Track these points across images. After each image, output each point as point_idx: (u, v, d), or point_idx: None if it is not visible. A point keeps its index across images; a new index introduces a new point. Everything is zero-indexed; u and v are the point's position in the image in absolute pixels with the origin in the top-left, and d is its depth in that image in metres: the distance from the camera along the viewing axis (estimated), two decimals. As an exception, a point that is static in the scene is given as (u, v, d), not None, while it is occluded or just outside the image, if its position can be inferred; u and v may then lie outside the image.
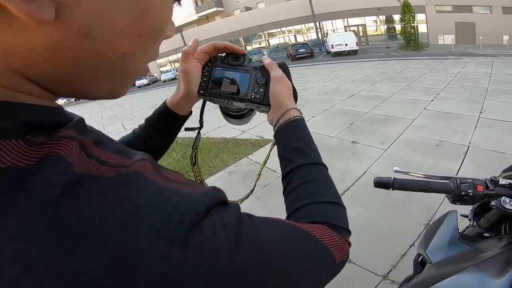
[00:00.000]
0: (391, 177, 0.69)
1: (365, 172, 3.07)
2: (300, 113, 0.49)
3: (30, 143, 0.20)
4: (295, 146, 0.45)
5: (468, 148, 3.30)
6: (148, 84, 25.69)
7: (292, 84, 0.52)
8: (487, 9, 18.58)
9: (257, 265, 0.25)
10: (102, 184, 0.21)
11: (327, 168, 0.45)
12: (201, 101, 0.59)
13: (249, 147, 4.21)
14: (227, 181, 3.32)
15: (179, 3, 0.30)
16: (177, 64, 30.96)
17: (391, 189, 0.69)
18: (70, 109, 0.26)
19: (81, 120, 0.26)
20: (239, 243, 0.24)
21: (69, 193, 0.19)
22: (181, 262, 0.20)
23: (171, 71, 25.94)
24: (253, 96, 0.50)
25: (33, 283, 0.17)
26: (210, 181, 3.43)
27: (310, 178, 0.42)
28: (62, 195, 0.19)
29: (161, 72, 27.57)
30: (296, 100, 0.52)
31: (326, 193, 0.41)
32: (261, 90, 0.51)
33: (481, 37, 15.83)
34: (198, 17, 30.73)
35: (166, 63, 32.84)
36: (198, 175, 0.64)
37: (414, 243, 2.02)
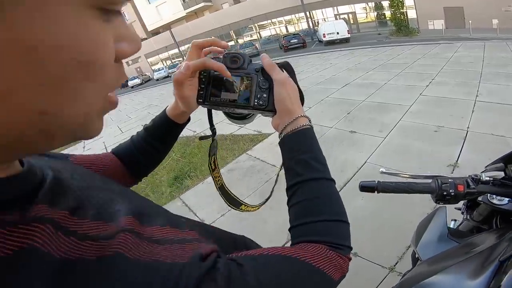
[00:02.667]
0: (375, 181, 0.70)
1: (366, 161, 3.06)
2: (309, 120, 0.47)
3: (3, 224, 0.19)
4: (302, 158, 0.43)
5: (467, 133, 3.30)
6: (141, 84, 25.38)
7: (298, 85, 0.49)
8: None
9: None
10: (86, 269, 0.20)
11: (334, 182, 0.44)
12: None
13: (248, 142, 4.18)
14: (228, 178, 3.29)
15: (120, 13, 0.23)
16: (168, 62, 30.60)
17: (376, 192, 0.70)
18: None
19: (55, 180, 0.24)
20: None
21: (56, 284, 0.19)
22: None
23: (163, 69, 25.59)
24: (256, 103, 0.47)
25: None
26: (210, 180, 3.38)
27: (315, 194, 0.41)
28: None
29: (153, 71, 27.23)
30: (302, 102, 0.50)
31: (328, 211, 0.41)
32: (264, 95, 0.47)
33: (470, 21, 15.84)
34: (187, 13, 30.22)
35: (157, 61, 32.41)
36: (218, 180, 0.64)
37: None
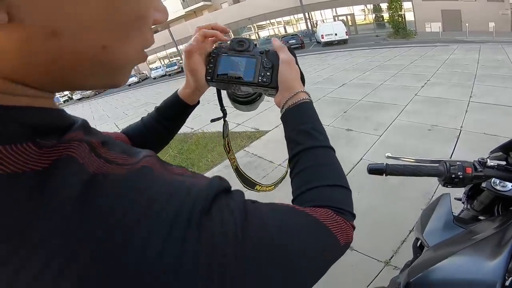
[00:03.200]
0: (383, 163, 0.70)
1: (361, 158, 3.11)
2: (309, 96, 0.49)
3: (40, 146, 0.21)
4: (303, 129, 0.45)
5: (460, 132, 3.37)
6: (138, 82, 25.26)
7: (300, 68, 0.52)
8: None
9: (262, 247, 0.26)
10: (116, 180, 0.22)
11: (334, 151, 0.45)
12: (214, 90, 0.60)
13: (245, 139, 4.21)
14: (225, 174, 3.28)
15: None
16: (166, 61, 30.50)
17: (384, 174, 0.70)
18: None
19: (85, 122, 0.27)
20: (245, 228, 0.25)
21: (89, 190, 0.20)
22: (196, 243, 0.22)
23: (160, 67, 25.51)
24: (260, 80, 0.51)
25: (77, 273, 0.18)
26: (209, 175, 3.31)
27: (317, 161, 0.42)
28: (83, 193, 0.20)
29: (151, 69, 27.12)
30: (304, 84, 0.53)
31: (332, 177, 0.41)
32: (268, 73, 0.51)
33: (467, 24, 15.98)
34: (186, 12, 30.16)
35: (155, 60, 32.30)
36: (234, 161, 0.66)
37: (413, 228, 2.04)
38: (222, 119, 0.65)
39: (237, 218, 0.25)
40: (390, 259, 1.83)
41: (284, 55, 0.50)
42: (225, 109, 0.65)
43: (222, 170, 3.47)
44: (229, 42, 0.54)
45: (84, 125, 0.26)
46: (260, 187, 0.68)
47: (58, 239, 0.18)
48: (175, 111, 0.59)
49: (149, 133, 0.59)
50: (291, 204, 0.36)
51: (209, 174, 3.41)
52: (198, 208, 0.23)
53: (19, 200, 0.18)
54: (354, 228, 0.40)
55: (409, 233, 2.01)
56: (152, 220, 0.21)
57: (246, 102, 0.62)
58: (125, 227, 0.20)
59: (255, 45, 0.54)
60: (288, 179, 0.48)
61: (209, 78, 0.52)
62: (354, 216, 0.41)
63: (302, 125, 0.45)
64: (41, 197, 0.19)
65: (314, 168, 0.42)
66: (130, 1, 0.24)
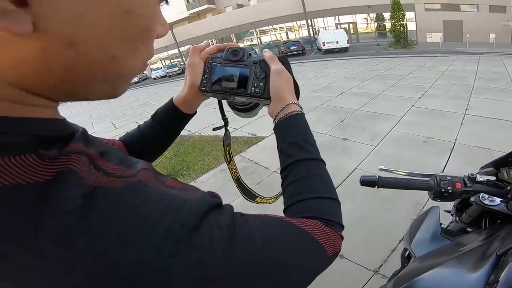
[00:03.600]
0: (376, 176, 0.72)
1: (356, 168, 3.13)
2: (300, 107, 0.50)
3: (42, 157, 0.22)
4: (294, 141, 0.45)
5: (454, 144, 3.40)
6: (138, 82, 25.22)
7: (293, 78, 0.52)
8: (474, 7, 18.95)
9: (249, 260, 0.28)
10: (113, 194, 0.23)
11: (325, 163, 0.46)
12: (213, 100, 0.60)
13: (242, 144, 4.23)
14: (221, 179, 3.33)
15: (167, 2, 0.30)
16: (167, 62, 30.59)
17: (376, 187, 0.72)
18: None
19: (85, 132, 0.28)
20: (232, 242, 0.26)
21: (87, 204, 0.21)
22: (185, 259, 0.23)
23: (161, 68, 25.57)
24: (253, 90, 0.51)
25: (74, 284, 0.20)
26: (204, 179, 3.44)
27: (307, 173, 0.43)
28: (82, 206, 0.21)
29: (151, 70, 27.18)
30: (298, 94, 0.53)
31: (322, 189, 0.42)
32: (261, 84, 0.51)
33: (468, 35, 16.13)
34: (189, 14, 30.36)
35: (156, 60, 32.36)
36: (235, 172, 0.66)
37: (403, 238, 2.07)
38: (224, 128, 0.65)
39: (225, 233, 0.26)
40: (379, 268, 1.85)
41: (274, 65, 0.50)
42: (227, 118, 0.65)
43: (218, 174, 3.48)
44: (224, 52, 0.54)
45: (84, 134, 0.27)
46: (261, 199, 0.68)
47: (59, 251, 0.20)
48: (170, 118, 0.58)
49: (146, 141, 0.59)
50: (280, 215, 0.37)
51: (204, 177, 3.46)
52: (189, 224, 0.24)
53: (24, 211, 0.20)
54: (342, 238, 0.41)
55: (399, 242, 2.04)
56: (146, 236, 0.22)
57: (245, 109, 0.62)
58: (120, 243, 0.21)
59: (250, 54, 0.54)
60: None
61: (203, 88, 0.53)
62: (342, 227, 0.42)
63: (293, 137, 0.46)
64: (45, 208, 0.20)
65: (304, 180, 0.42)
66: (141, 15, 0.25)
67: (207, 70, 0.53)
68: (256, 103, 0.60)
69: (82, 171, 0.23)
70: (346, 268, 1.86)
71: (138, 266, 0.21)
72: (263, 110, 0.66)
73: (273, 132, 0.50)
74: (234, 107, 0.62)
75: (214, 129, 0.69)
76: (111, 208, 0.22)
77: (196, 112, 0.61)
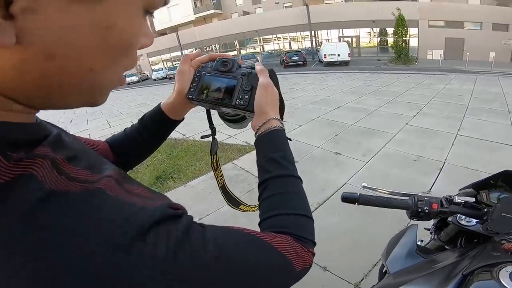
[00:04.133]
0: (356, 193, 0.74)
1: (346, 183, 3.15)
2: (281, 123, 0.50)
3: (8, 158, 0.22)
4: (272, 157, 0.46)
5: (443, 164, 3.44)
6: (138, 82, 25.27)
7: (280, 93, 0.53)
8: (477, 25, 19.27)
9: (196, 270, 0.27)
10: (68, 199, 0.23)
11: (301, 181, 0.47)
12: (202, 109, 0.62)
13: (235, 152, 4.24)
14: (210, 184, 3.34)
15: (152, 15, 0.30)
16: (169, 64, 30.72)
17: (356, 204, 0.74)
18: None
19: (59, 136, 0.28)
20: (178, 251, 0.26)
21: (38, 207, 0.22)
22: (120, 265, 0.23)
23: (162, 70, 25.63)
24: (237, 102, 0.51)
25: (4, 278, 0.21)
26: (194, 184, 3.44)
27: (283, 190, 0.44)
28: (33, 208, 0.21)
29: (153, 71, 27.23)
30: (283, 110, 0.53)
31: (296, 206, 0.43)
32: (246, 96, 0.51)
33: (468, 53, 16.31)
34: (196, 17, 30.62)
35: (158, 61, 32.51)
36: (220, 179, 0.67)
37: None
38: (211, 137, 0.66)
39: (171, 242, 0.26)
40: (360, 282, 1.87)
41: (263, 79, 0.51)
42: (214, 127, 0.66)
43: (208, 180, 3.48)
44: (215, 62, 0.55)
45: (57, 138, 0.28)
46: (244, 207, 0.69)
47: (6, 249, 0.20)
48: (156, 123, 0.59)
49: (130, 144, 0.59)
50: (248, 229, 0.37)
51: (194, 182, 3.45)
52: (132, 232, 0.24)
53: None
54: (313, 254, 0.41)
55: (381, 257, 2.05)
56: (84, 239, 0.22)
57: (234, 120, 0.63)
58: (60, 243, 0.22)
59: (239, 66, 0.55)
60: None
61: (190, 96, 0.53)
62: (314, 243, 0.42)
63: (272, 153, 0.46)
64: None
65: (280, 196, 0.43)
66: (122, 30, 0.26)
67: (195, 79, 0.54)
68: (243, 116, 0.61)
69: (42, 175, 0.23)
70: (328, 280, 1.88)
71: (72, 268, 0.21)
72: None
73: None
74: (224, 118, 0.63)
75: (202, 137, 0.71)
76: (60, 212, 0.22)
77: (183, 119, 0.61)
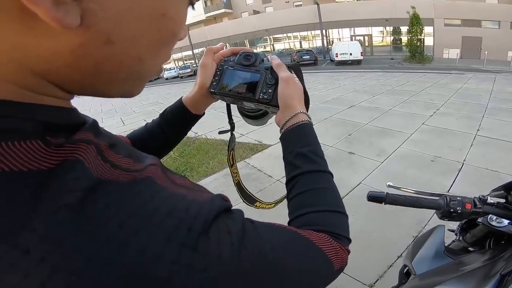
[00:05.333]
0: (383, 192, 0.72)
1: (360, 183, 3.10)
2: (309, 117, 0.48)
3: (48, 144, 0.21)
4: (301, 152, 0.44)
5: (462, 165, 3.34)
6: (150, 80, 25.42)
7: (304, 87, 0.51)
8: (496, 24, 18.72)
9: (257, 269, 0.27)
10: (118, 189, 0.22)
11: (332, 176, 0.45)
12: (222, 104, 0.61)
13: (247, 150, 4.24)
14: (223, 183, 3.35)
15: (193, 7, 0.31)
16: (180, 63, 31.07)
17: (383, 203, 0.72)
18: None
19: (95, 123, 0.27)
20: (241, 249, 0.25)
21: (88, 198, 0.20)
22: (189, 266, 0.21)
23: (174, 69, 25.86)
24: (261, 97, 0.50)
25: (58, 285, 0.18)
26: (206, 182, 3.45)
27: (315, 185, 0.42)
28: (82, 200, 0.19)
29: (164, 70, 27.53)
30: (308, 103, 0.51)
31: (329, 202, 0.41)
32: (270, 90, 0.50)
33: (486, 52, 15.83)
34: (206, 17, 30.88)
35: (170, 60, 32.71)
36: (236, 176, 0.66)
37: (401, 254, 2.05)
38: (230, 132, 0.65)
39: (234, 239, 0.25)
40: (374, 283, 1.84)
41: (283, 73, 0.49)
42: (234, 123, 0.65)
43: (220, 178, 3.50)
44: (237, 55, 0.54)
45: (94, 125, 0.27)
46: (260, 204, 0.67)
47: (49, 245, 0.18)
48: (177, 118, 0.58)
49: (151, 139, 0.58)
50: (288, 225, 0.36)
51: (206, 181, 3.48)
52: (197, 229, 0.23)
53: (20, 199, 0.18)
54: (349, 252, 0.40)
55: (397, 258, 2.02)
56: (147, 237, 0.20)
57: (255, 116, 0.62)
58: (118, 242, 0.19)
59: (262, 60, 0.54)
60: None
61: (212, 90, 0.52)
62: (350, 241, 0.41)
63: (300, 147, 0.44)
64: (42, 199, 0.19)
65: (312, 192, 0.41)
66: (172, 19, 0.26)
67: (218, 72, 0.53)
68: (265, 111, 0.59)
69: (89, 161, 0.22)
70: (342, 281, 1.84)
71: (135, 271, 0.19)
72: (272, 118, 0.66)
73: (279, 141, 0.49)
74: (244, 114, 0.62)
75: (220, 133, 0.69)
76: (113, 204, 0.21)
77: (204, 113, 0.60)
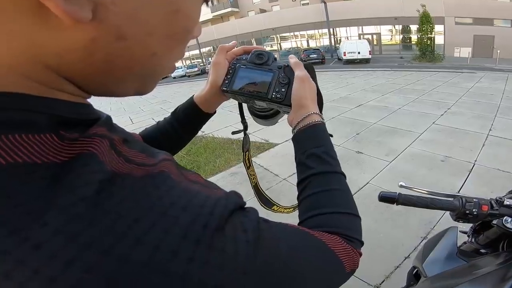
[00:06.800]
0: (396, 192, 0.70)
1: (368, 183, 3.06)
2: (321, 117, 0.48)
3: (62, 138, 0.21)
4: (314, 152, 0.43)
5: (473, 165, 3.26)
6: (158, 79, 25.90)
7: (317, 87, 0.51)
8: (508, 22, 18.31)
9: (272, 269, 0.26)
10: (133, 183, 0.21)
11: (345, 177, 0.44)
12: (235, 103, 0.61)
13: (254, 149, 4.22)
14: (229, 182, 3.34)
15: (207, 4, 0.31)
16: (188, 62, 31.26)
17: (395, 204, 0.70)
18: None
19: (109, 118, 0.27)
20: (257, 248, 0.25)
21: (104, 191, 0.20)
22: (205, 263, 0.21)
23: (181, 68, 26.03)
24: (273, 96, 0.49)
25: (71, 280, 0.17)
26: (213, 180, 3.35)
27: (327, 186, 0.41)
28: (98, 193, 0.19)
29: (173, 69, 27.70)
30: (321, 104, 0.51)
31: (342, 203, 0.41)
32: (283, 89, 0.49)
33: (499, 51, 15.51)
34: (213, 16, 30.99)
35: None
36: (253, 178, 0.65)
37: (409, 255, 2.02)
38: (243, 132, 0.64)
39: (249, 237, 0.25)
40: (380, 284, 1.82)
41: (299, 71, 0.49)
42: (246, 122, 0.64)
43: (227, 177, 3.49)
44: (250, 54, 0.54)
45: (108, 121, 0.26)
46: (278, 207, 0.66)
47: (62, 240, 0.17)
48: (189, 116, 0.58)
49: (162, 137, 0.58)
50: (301, 226, 0.36)
51: (213, 179, 3.48)
52: (212, 225, 0.22)
53: (32, 192, 0.18)
54: (361, 255, 0.40)
55: (404, 259, 1.99)
56: (163, 232, 0.20)
57: (265, 116, 0.61)
58: (132, 237, 0.19)
59: (275, 58, 0.53)
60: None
61: (225, 88, 0.52)
62: (362, 243, 0.40)
63: (313, 148, 0.44)
64: (55, 191, 0.18)
65: (324, 194, 0.41)
66: (187, 15, 0.26)
67: (230, 71, 0.52)
68: (276, 111, 0.59)
69: (103, 155, 0.21)
70: (347, 282, 1.82)
71: (150, 267, 0.19)
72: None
73: (289, 140, 0.48)
74: (254, 113, 0.61)
75: (233, 133, 0.68)
76: (128, 198, 0.20)
77: (215, 112, 0.60)
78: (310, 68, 0.51)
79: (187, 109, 0.57)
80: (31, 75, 0.21)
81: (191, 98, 0.58)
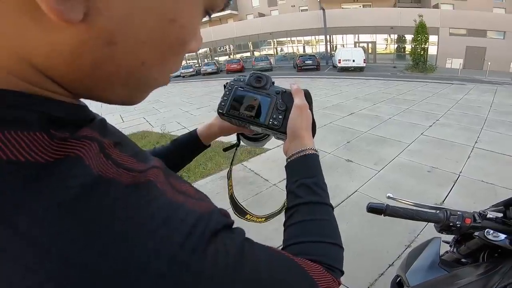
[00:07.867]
0: (384, 204, 0.72)
1: (356, 191, 3.11)
2: (315, 149, 0.49)
3: (52, 137, 0.20)
4: (304, 183, 0.44)
5: (458, 177, 3.35)
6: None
7: (312, 115, 0.51)
8: (501, 34, 18.66)
9: None
10: (116, 190, 0.21)
11: (333, 208, 0.45)
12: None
13: (245, 154, 4.25)
14: (219, 185, 3.36)
15: (210, 17, 0.29)
16: (183, 63, 31.09)
17: (382, 215, 0.72)
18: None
19: (103, 121, 0.27)
20: (236, 271, 0.25)
21: (83, 196, 0.19)
22: (177, 284, 0.20)
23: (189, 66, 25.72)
24: (270, 122, 0.49)
25: (29, 286, 0.17)
26: (202, 183, 3.46)
27: (314, 216, 0.42)
28: (76, 198, 0.19)
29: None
30: (314, 132, 0.51)
31: (327, 234, 0.42)
32: (280, 116, 0.49)
33: (489, 63, 15.78)
34: (212, 17, 30.87)
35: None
36: (231, 188, 0.68)
37: (393, 263, 2.07)
38: (235, 148, 0.66)
39: (230, 261, 0.24)
40: (365, 291, 1.85)
41: (299, 100, 0.49)
42: (240, 139, 0.65)
43: (217, 180, 3.51)
44: (247, 76, 0.52)
45: (102, 123, 0.26)
46: (251, 216, 0.67)
47: (32, 246, 0.17)
48: (189, 149, 0.60)
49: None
50: (284, 252, 0.36)
51: (203, 182, 3.48)
52: (191, 244, 0.22)
53: (5, 192, 0.18)
54: (340, 284, 0.40)
55: (388, 267, 2.04)
56: (134, 245, 0.20)
57: (255, 139, 0.61)
58: (101, 248, 0.18)
59: (273, 83, 0.53)
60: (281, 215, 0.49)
61: (221, 111, 0.51)
62: (342, 273, 0.41)
63: (304, 178, 0.45)
64: (30, 193, 0.18)
65: (311, 223, 0.42)
66: (182, 26, 0.25)
67: (227, 93, 0.51)
68: (266, 135, 0.59)
69: (90, 158, 0.21)
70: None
71: (115, 281, 0.18)
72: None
73: (281, 146, 0.50)
74: (244, 136, 0.62)
75: (224, 150, 0.70)
76: (107, 206, 0.20)
77: (210, 145, 0.65)
78: (308, 97, 0.51)
79: (189, 141, 0.62)
80: (18, 73, 0.20)
81: (195, 131, 0.62)
